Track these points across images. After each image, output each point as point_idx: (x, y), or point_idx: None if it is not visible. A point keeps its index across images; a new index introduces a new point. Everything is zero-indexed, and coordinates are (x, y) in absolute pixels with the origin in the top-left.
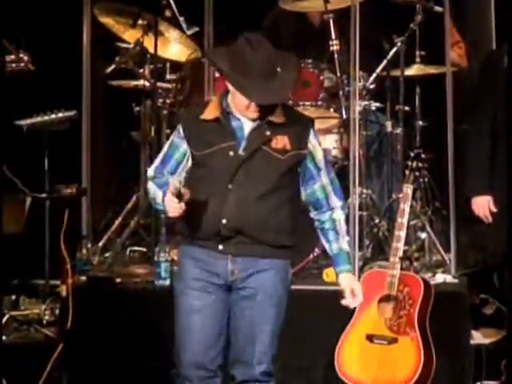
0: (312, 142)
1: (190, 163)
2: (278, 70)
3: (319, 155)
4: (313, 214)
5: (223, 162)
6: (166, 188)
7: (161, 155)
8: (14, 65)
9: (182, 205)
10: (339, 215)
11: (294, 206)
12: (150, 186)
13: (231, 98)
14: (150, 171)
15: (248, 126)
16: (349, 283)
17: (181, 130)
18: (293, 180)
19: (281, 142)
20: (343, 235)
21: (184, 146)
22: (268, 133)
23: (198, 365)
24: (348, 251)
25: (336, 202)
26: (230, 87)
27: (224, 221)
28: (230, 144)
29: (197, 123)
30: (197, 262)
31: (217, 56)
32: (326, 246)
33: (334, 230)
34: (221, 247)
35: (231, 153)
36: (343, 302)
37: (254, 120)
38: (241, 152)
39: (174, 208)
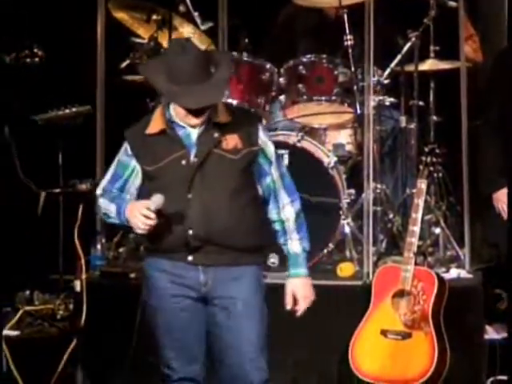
0: (262, 137)
1: (138, 180)
2: (212, 70)
3: (270, 150)
4: (267, 209)
5: (177, 172)
6: (119, 201)
7: (109, 175)
8: (28, 60)
9: (155, 222)
10: (287, 213)
11: (258, 205)
12: (101, 202)
13: (174, 109)
14: (99, 190)
15: (195, 132)
16: (291, 289)
17: (128, 149)
18: (251, 178)
19: (231, 141)
20: (293, 235)
21: (132, 164)
22: (216, 135)
23: (185, 379)
24: (298, 252)
25: (285, 198)
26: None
27: (190, 232)
28: (180, 153)
29: (143, 139)
30: (167, 275)
31: (150, 70)
32: (281, 244)
33: (284, 232)
34: (190, 258)
35: (183, 162)
36: (287, 307)
37: (197, 126)
38: (193, 159)
39: (147, 225)
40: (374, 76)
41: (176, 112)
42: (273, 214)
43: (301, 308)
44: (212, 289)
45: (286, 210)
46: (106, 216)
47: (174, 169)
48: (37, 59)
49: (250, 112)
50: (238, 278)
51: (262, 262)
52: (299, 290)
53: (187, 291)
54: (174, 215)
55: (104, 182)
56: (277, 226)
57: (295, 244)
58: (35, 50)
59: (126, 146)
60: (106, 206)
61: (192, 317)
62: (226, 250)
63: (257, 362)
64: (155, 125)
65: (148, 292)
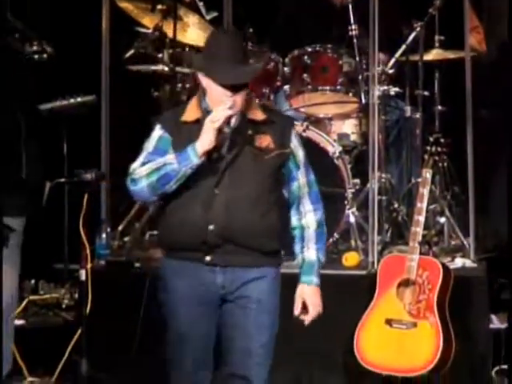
0: (294, 142)
1: None
2: (251, 61)
3: (300, 155)
4: (290, 214)
5: (207, 164)
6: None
7: (147, 150)
8: (36, 56)
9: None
10: (309, 221)
11: (281, 208)
12: (145, 167)
13: (208, 96)
14: (136, 164)
15: (229, 126)
16: (301, 295)
17: (163, 131)
18: (279, 181)
19: (264, 141)
20: (311, 244)
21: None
22: (250, 132)
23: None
24: (313, 261)
25: (308, 205)
26: (203, 82)
27: (211, 227)
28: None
29: (177, 126)
30: (183, 278)
31: (193, 55)
32: (295, 253)
33: (301, 239)
34: (208, 258)
35: (215, 154)
36: (295, 313)
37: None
38: (224, 153)
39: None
40: (378, 66)
41: (212, 100)
42: (294, 219)
43: (309, 316)
44: (230, 291)
45: (307, 218)
46: (163, 166)
47: (204, 160)
48: (45, 55)
49: (285, 115)
50: (256, 279)
51: (280, 263)
52: (309, 298)
53: (205, 294)
54: (196, 209)
55: (143, 156)
56: (295, 232)
57: (312, 252)
58: (44, 46)
59: (161, 130)
60: (159, 162)
61: (209, 323)
62: (245, 250)
63: (261, 366)
64: (190, 113)
65: (164, 292)
